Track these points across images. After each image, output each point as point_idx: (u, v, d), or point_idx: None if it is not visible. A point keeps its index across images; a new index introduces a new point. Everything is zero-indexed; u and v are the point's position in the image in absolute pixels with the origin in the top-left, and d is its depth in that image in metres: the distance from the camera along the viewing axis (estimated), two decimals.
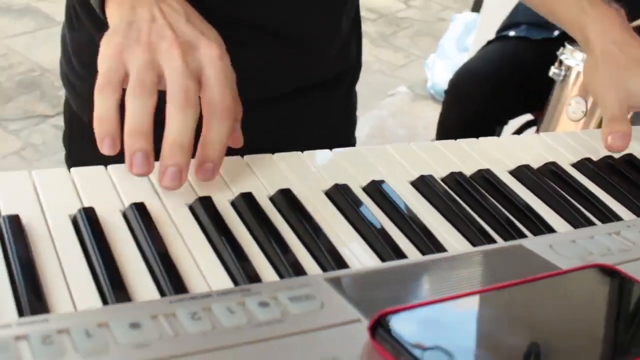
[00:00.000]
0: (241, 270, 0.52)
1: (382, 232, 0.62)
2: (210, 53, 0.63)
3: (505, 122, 2.16)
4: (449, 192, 0.70)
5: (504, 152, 0.81)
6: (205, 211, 0.60)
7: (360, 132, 3.22)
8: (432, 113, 3.19)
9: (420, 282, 0.51)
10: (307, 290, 0.46)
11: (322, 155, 0.73)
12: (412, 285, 0.50)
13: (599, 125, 1.42)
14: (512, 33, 2.12)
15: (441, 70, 3.50)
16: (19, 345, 0.38)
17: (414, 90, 3.61)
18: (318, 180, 0.69)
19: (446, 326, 0.43)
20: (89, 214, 0.57)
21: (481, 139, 0.83)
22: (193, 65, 0.62)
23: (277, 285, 0.47)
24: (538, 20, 1.89)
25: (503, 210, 0.69)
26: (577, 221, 0.69)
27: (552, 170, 0.79)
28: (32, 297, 0.46)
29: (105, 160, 0.63)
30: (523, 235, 0.65)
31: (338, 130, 1.07)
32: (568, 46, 1.73)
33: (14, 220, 0.54)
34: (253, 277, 0.52)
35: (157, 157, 0.61)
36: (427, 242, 0.61)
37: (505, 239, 0.64)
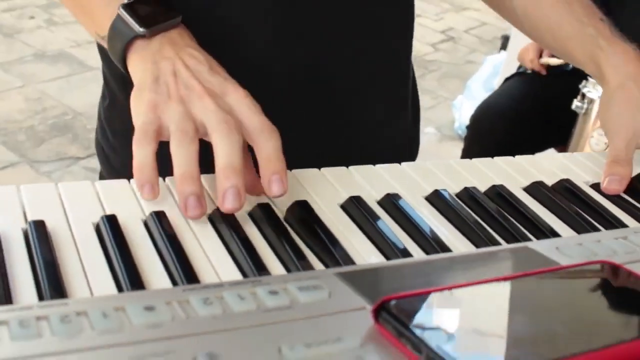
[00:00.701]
0: (252, 266, 0.54)
1: (395, 239, 0.64)
2: (238, 95, 0.67)
3: None
4: (461, 204, 0.72)
5: (518, 170, 0.82)
6: (224, 221, 0.62)
7: None
8: (460, 152, 3.20)
9: (425, 277, 0.52)
10: (315, 282, 0.48)
11: (339, 171, 0.75)
12: (417, 279, 0.52)
13: None
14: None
15: (468, 111, 3.50)
16: (40, 324, 0.41)
17: (441, 131, 3.63)
18: (334, 193, 0.71)
19: (447, 311, 0.44)
20: (111, 220, 0.59)
21: (496, 158, 0.84)
22: (226, 108, 0.65)
23: (287, 277, 0.49)
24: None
25: (513, 220, 0.70)
26: (586, 231, 0.70)
27: (566, 187, 0.80)
28: (52, 288, 0.48)
29: None
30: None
31: None
32: (591, 79, 1.74)
33: (39, 225, 0.57)
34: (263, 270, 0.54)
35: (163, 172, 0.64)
36: (433, 245, 0.63)
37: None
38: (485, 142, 2.11)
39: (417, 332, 0.41)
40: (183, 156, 0.62)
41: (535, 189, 0.78)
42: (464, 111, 3.57)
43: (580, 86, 1.75)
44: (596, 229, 0.71)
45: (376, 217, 0.67)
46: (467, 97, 3.63)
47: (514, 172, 0.81)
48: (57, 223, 0.59)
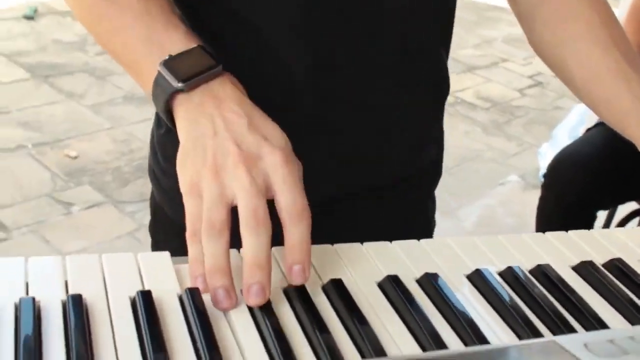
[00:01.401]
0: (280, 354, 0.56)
1: (428, 325, 0.63)
2: (274, 161, 0.66)
3: (607, 209, 2.08)
4: (503, 286, 0.71)
5: (570, 246, 0.80)
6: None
7: (467, 221, 3.23)
8: None
9: None
10: None
11: (381, 246, 0.75)
12: None
13: None
14: None
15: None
16: None
17: (525, 179, 3.57)
18: (372, 270, 0.71)
19: None
20: (146, 295, 0.61)
21: (547, 233, 0.83)
22: (260, 179, 0.65)
23: None
24: None
25: (556, 303, 0.69)
26: (636, 319, 0.68)
27: (617, 267, 0.78)
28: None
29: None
30: (573, 330, 0.64)
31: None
32: None
33: (77, 299, 0.59)
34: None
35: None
36: (469, 332, 0.62)
37: (554, 333, 0.64)
38: (563, 191, 2.04)
39: None
40: (211, 250, 0.63)
41: (584, 269, 0.76)
42: (548, 159, 3.50)
43: None
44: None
45: (412, 300, 0.66)
46: (553, 145, 3.57)
47: (566, 249, 0.80)
48: (97, 294, 0.62)
